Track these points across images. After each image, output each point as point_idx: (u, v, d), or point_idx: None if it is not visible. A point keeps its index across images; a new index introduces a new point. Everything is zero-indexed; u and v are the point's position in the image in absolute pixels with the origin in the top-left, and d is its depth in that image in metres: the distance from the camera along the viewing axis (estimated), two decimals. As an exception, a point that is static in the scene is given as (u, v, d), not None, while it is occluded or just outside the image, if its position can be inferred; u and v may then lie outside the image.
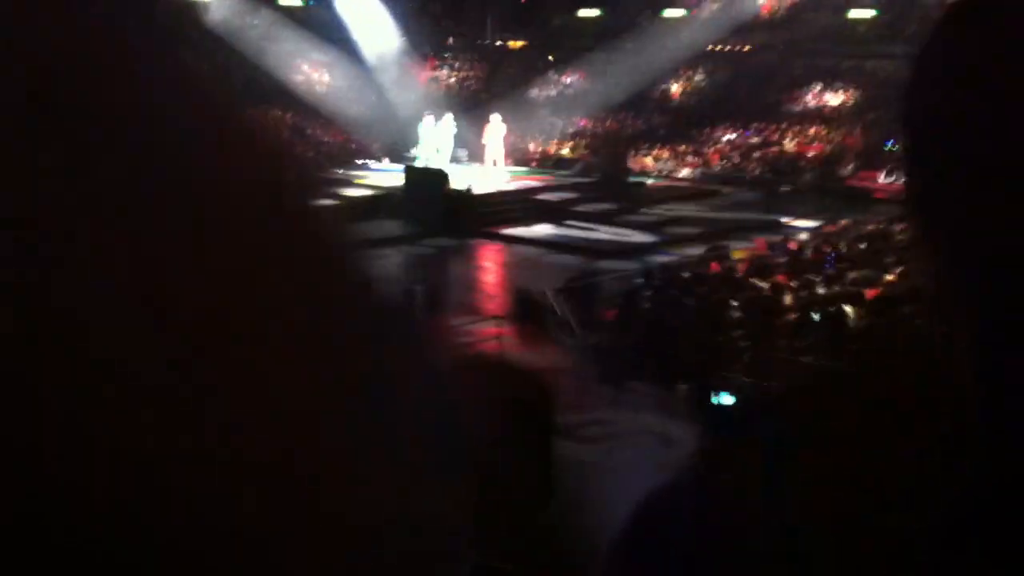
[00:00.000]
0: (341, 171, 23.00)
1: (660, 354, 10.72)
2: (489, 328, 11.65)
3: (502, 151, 22.37)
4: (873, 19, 24.65)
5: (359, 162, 24.44)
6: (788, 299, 11.18)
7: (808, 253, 13.40)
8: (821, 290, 11.07)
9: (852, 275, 11.96)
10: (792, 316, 10.63)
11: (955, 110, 0.53)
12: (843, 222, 15.72)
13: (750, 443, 0.66)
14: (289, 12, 28.44)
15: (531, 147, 25.54)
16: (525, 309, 12.46)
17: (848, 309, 10.55)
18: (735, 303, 11.23)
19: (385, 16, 27.73)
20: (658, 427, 8.28)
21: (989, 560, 0.52)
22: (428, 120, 21.69)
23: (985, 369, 0.54)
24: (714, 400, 8.49)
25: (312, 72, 28.05)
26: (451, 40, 30.56)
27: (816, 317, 10.56)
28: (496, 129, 22.20)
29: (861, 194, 19.53)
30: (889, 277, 11.44)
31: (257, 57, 26.05)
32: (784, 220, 18.05)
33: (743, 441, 0.71)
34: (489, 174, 21.39)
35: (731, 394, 8.87)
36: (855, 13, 25.26)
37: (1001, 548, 0.52)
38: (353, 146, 25.73)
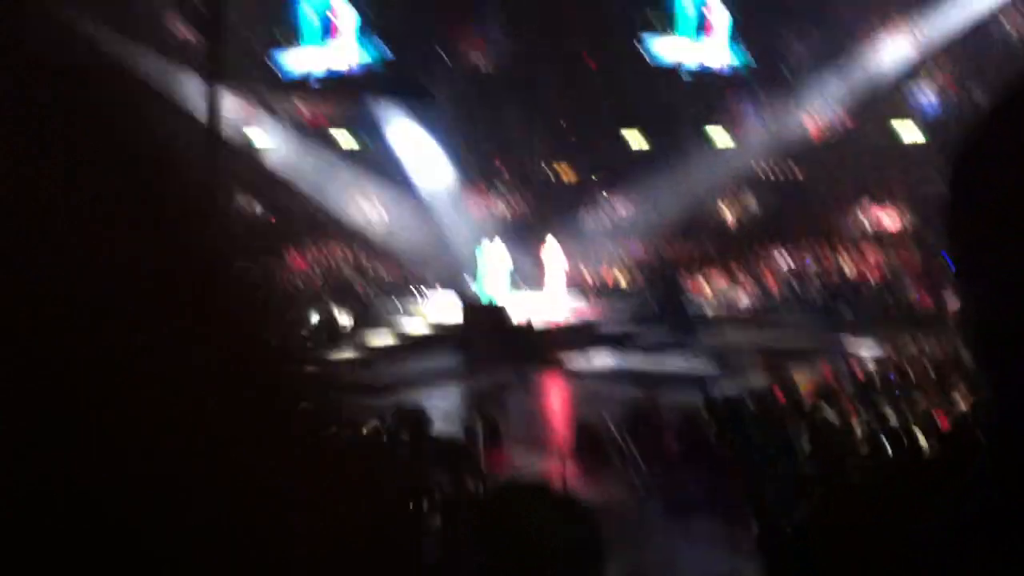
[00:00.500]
0: (399, 303, 23.30)
1: (727, 488, 10.50)
2: (552, 464, 11.53)
3: (563, 277, 22.52)
4: (924, 143, 24.75)
5: (416, 292, 24.76)
6: (857, 429, 10.93)
7: (876, 380, 13.16)
8: (892, 420, 10.79)
9: (918, 395, 11.70)
10: (864, 448, 10.37)
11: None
12: (905, 340, 15.46)
13: None
14: (349, 153, 29.36)
15: (585, 273, 25.68)
16: (587, 443, 12.37)
17: (920, 438, 10.28)
18: (803, 434, 11.01)
19: (435, 147, 28.48)
20: (727, 566, 8.04)
21: (994, 561, 0.53)
22: (483, 248, 22.01)
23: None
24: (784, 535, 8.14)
25: (369, 207, 28.74)
26: (500, 166, 31.17)
27: (888, 446, 10.31)
28: (553, 252, 22.41)
29: (925, 316, 19.23)
30: (962, 404, 11.17)
31: (317, 196, 26.83)
32: (847, 345, 17.81)
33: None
34: (550, 301, 21.50)
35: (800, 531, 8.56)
36: (906, 135, 25.41)
37: (1005, 548, 0.53)
38: (409, 277, 26.11)
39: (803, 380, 13.78)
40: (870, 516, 0.66)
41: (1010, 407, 0.58)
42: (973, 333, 0.65)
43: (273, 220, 27.91)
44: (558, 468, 11.11)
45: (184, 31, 25.74)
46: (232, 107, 25.19)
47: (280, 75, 27.66)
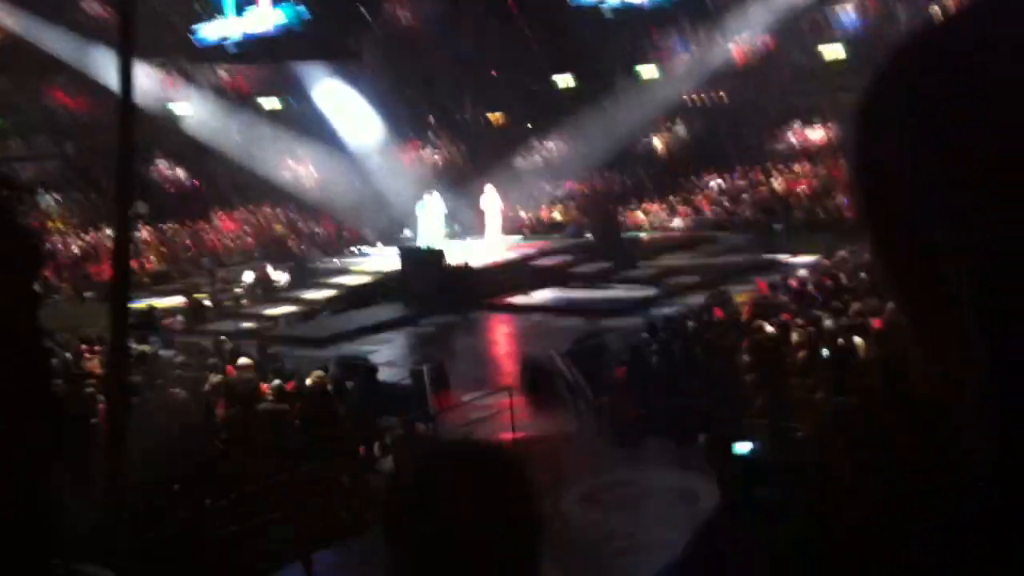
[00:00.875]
0: (337, 260, 23.13)
1: (672, 408, 10.65)
2: (500, 400, 11.59)
3: (499, 221, 22.58)
4: (843, 59, 24.91)
5: (353, 249, 24.60)
6: (795, 337, 11.11)
7: (810, 289, 13.35)
8: (828, 323, 10.97)
9: (856, 306, 11.90)
10: (801, 354, 10.56)
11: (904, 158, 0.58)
12: (841, 254, 15.70)
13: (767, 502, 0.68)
14: (271, 114, 28.91)
15: (522, 214, 25.71)
16: (533, 377, 12.46)
17: (857, 341, 10.49)
18: (743, 347, 11.18)
19: (364, 105, 28.16)
20: (680, 484, 8.15)
21: (995, 561, 0.53)
22: (422, 200, 21.96)
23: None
24: (734, 450, 8.34)
25: (299, 167, 28.40)
26: (431, 119, 30.95)
27: (825, 353, 10.51)
28: (492, 199, 22.43)
29: (854, 225, 19.49)
30: (892, 304, 11.36)
31: (243, 159, 26.42)
32: (781, 259, 18.08)
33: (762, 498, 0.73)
34: (488, 245, 21.55)
35: (749, 441, 8.76)
36: (826, 52, 25.57)
37: (1007, 548, 0.52)
38: (345, 234, 25.93)
39: (741, 299, 13.97)
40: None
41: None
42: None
43: (199, 185, 27.48)
44: (506, 403, 11.18)
45: (99, 8, 25.20)
46: (152, 81, 24.64)
47: (198, 45, 27.07)
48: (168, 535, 8.03)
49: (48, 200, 24.45)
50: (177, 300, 18.48)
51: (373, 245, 24.61)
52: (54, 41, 24.87)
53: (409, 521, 1.33)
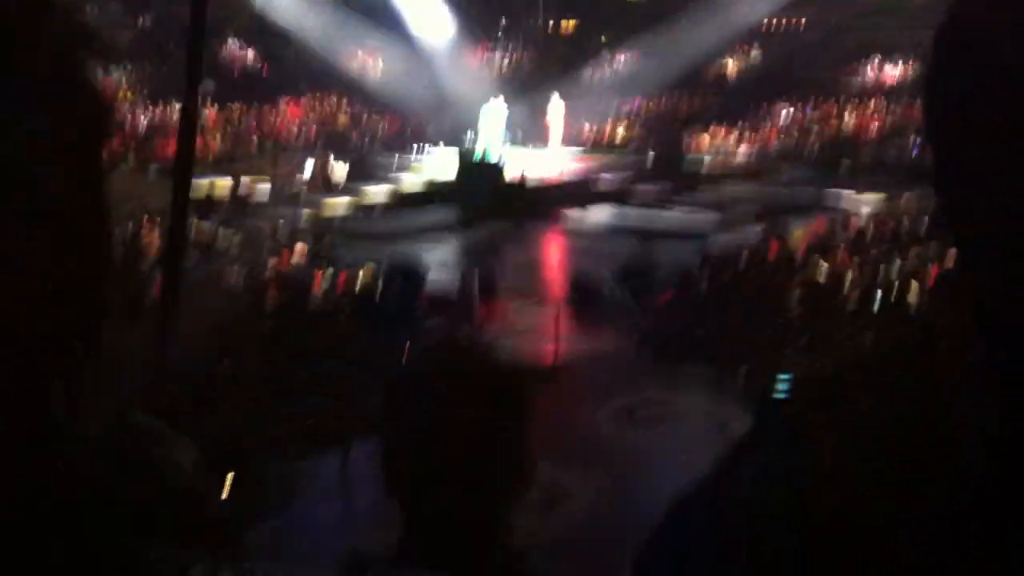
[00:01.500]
0: (398, 157, 23.16)
1: (717, 336, 10.67)
2: (546, 311, 11.69)
3: (562, 132, 22.39)
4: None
5: (415, 147, 24.58)
6: (849, 277, 11.02)
7: (870, 229, 13.17)
8: (885, 265, 10.85)
9: (915, 250, 11.74)
10: (854, 294, 10.49)
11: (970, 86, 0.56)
12: (906, 195, 15.37)
13: (778, 434, 0.68)
14: (344, 2, 28.66)
15: (586, 127, 25.45)
16: (582, 292, 12.51)
17: (913, 286, 10.39)
18: (795, 281, 11.12)
19: (437, 1, 27.82)
20: (713, 410, 8.22)
21: (991, 543, 0.54)
22: (486, 104, 21.81)
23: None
24: (776, 383, 8.33)
25: (367, 59, 28.24)
26: (503, 22, 30.50)
27: (879, 295, 10.42)
28: (557, 109, 22.21)
29: (925, 168, 19.05)
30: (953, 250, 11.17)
31: (313, 45, 26.35)
32: (846, 196, 17.77)
33: (774, 431, 0.72)
34: (549, 156, 21.42)
35: (788, 376, 8.75)
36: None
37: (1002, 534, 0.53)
38: (409, 131, 25.87)
39: (799, 234, 13.82)
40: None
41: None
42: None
43: (267, 68, 27.50)
44: (552, 315, 11.28)
45: None
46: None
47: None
48: (215, 396, 8.30)
49: (119, 71, 24.64)
50: (240, 180, 18.69)
51: (435, 145, 24.56)
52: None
53: (405, 419, 1.36)
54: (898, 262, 11.34)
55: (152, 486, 0.62)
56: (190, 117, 8.45)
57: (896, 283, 10.51)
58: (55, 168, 0.56)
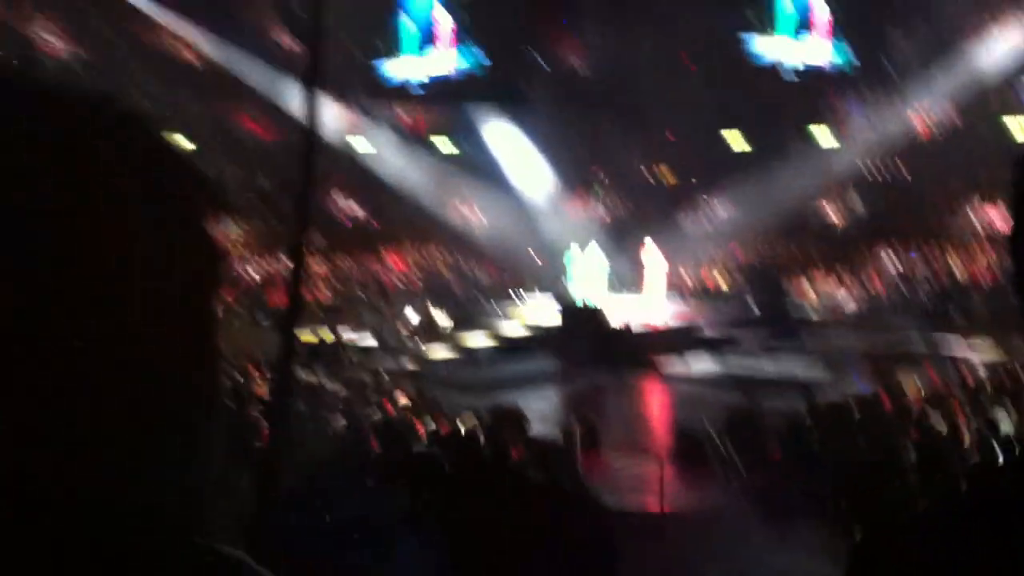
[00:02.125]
0: (497, 305, 23.45)
1: (829, 495, 10.28)
2: (650, 468, 11.46)
3: (663, 280, 22.37)
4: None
5: (513, 294, 24.88)
6: (965, 436, 10.58)
7: (987, 385, 12.70)
8: (1005, 427, 10.41)
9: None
10: (974, 456, 10.03)
11: None
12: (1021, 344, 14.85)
13: None
14: (448, 158, 29.71)
15: (684, 275, 25.45)
16: (686, 448, 12.26)
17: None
18: (911, 440, 10.70)
19: (533, 152, 28.63)
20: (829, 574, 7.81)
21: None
22: (582, 250, 22.07)
23: None
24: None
25: (466, 209, 29.03)
26: (598, 171, 31.08)
27: (1000, 457, 9.95)
28: (652, 255, 22.28)
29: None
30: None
31: (414, 197, 27.28)
32: (955, 344, 17.26)
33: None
34: (649, 303, 21.39)
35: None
36: (1013, 126, 24.45)
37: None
38: (507, 279, 26.27)
39: (911, 385, 13.40)
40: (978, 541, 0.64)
41: None
42: None
43: (376, 223, 28.42)
44: (656, 473, 11.05)
45: (288, 40, 26.49)
46: (335, 115, 25.78)
47: (381, 83, 28.20)
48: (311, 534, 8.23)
49: (232, 226, 25.79)
50: (347, 334, 19.11)
51: (533, 292, 24.85)
52: (248, 70, 26.34)
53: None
54: (1015, 414, 10.87)
55: None
56: (297, 270, 8.70)
57: (1013, 434, 10.05)
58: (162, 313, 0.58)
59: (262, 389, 12.96)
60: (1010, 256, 0.65)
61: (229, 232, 25.39)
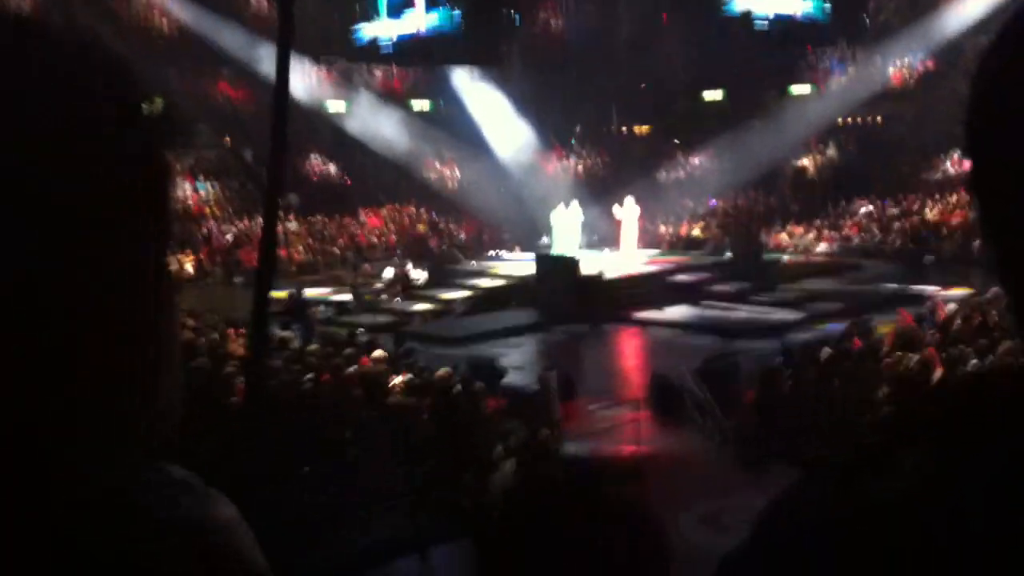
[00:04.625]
0: (475, 262, 23.42)
1: (803, 436, 10.36)
2: (626, 413, 11.52)
3: (636, 233, 22.41)
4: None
5: (491, 253, 24.85)
6: (938, 373, 10.67)
7: (957, 324, 12.78)
8: (974, 362, 10.48)
9: (1005, 345, 11.32)
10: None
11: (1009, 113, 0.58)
12: (994, 290, 14.95)
13: None
14: (421, 115, 29.57)
15: (662, 229, 25.48)
16: (662, 393, 12.32)
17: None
18: (881, 379, 10.79)
19: (510, 111, 28.50)
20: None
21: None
22: (559, 209, 22.04)
23: None
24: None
25: (444, 169, 28.93)
26: (577, 129, 31.01)
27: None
28: (631, 211, 22.29)
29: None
30: (1048, 346, 10.76)
31: (392, 157, 27.15)
32: (930, 291, 17.36)
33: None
34: (624, 257, 21.43)
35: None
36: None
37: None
38: (485, 237, 26.24)
39: (885, 328, 13.48)
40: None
41: None
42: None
43: (348, 181, 28.30)
44: (632, 417, 11.11)
45: (266, 5, 26.35)
46: (310, 76, 25.56)
47: (358, 45, 28.03)
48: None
49: (206, 188, 25.60)
50: (321, 290, 19.06)
51: (511, 250, 24.82)
52: (224, 35, 26.06)
53: (524, 535, 1.33)
54: (990, 358, 10.94)
55: (181, 541, 0.60)
56: (271, 229, 8.66)
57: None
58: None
59: (238, 347, 12.93)
60: (974, 195, 0.63)
61: (205, 196, 25.23)
